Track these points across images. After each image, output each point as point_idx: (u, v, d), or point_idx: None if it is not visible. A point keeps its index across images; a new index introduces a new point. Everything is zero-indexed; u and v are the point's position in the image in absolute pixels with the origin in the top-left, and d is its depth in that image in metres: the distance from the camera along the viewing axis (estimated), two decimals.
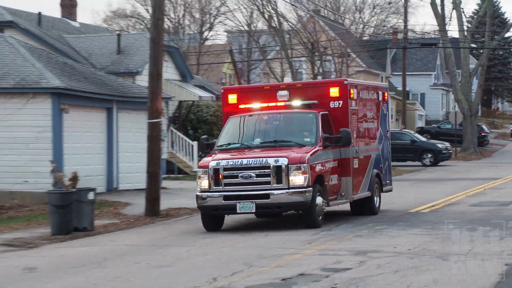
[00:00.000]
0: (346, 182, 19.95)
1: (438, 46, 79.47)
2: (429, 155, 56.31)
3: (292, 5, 57.54)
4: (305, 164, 17.96)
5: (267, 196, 17.94)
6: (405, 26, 68.09)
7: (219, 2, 70.24)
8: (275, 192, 17.95)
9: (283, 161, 17.89)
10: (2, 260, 16.82)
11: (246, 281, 12.87)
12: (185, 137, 45.85)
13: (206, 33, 71.51)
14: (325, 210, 18.78)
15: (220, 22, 73.07)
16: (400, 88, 68.02)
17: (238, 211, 18.25)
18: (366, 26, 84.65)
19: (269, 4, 55.92)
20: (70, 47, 44.53)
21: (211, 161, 18.58)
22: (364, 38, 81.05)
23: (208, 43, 69.83)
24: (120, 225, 25.58)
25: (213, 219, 19.16)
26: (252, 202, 17.98)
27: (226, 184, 18.22)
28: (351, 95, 20.10)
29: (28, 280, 14.21)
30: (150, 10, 42.05)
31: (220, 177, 18.25)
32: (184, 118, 47.17)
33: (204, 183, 18.48)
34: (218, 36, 77.13)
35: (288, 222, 21.61)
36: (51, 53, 37.53)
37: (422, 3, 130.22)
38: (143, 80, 38.28)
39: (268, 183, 18.02)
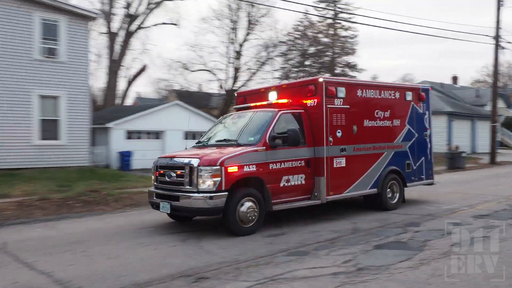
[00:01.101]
0: (319, 182, 11.44)
1: None
2: None
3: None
4: (216, 167, 9.83)
5: (177, 198, 10.23)
6: None
7: None
8: (185, 195, 10.08)
9: (194, 162, 10.06)
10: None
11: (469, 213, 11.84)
12: (506, 131, 48.91)
13: None
14: (254, 217, 10.18)
15: None
16: None
17: (160, 210, 10.64)
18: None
19: None
20: (455, 94, 49.73)
21: (157, 158, 11.48)
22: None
23: None
24: (477, 167, 26.12)
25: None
26: (168, 202, 10.40)
27: (159, 182, 10.94)
28: (329, 93, 11.83)
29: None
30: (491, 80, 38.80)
31: (157, 175, 11.03)
32: (503, 122, 48.67)
33: (154, 178, 11.31)
34: None
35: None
36: (447, 96, 44.28)
37: None
38: (488, 107, 42.87)
39: (182, 184, 10.27)
